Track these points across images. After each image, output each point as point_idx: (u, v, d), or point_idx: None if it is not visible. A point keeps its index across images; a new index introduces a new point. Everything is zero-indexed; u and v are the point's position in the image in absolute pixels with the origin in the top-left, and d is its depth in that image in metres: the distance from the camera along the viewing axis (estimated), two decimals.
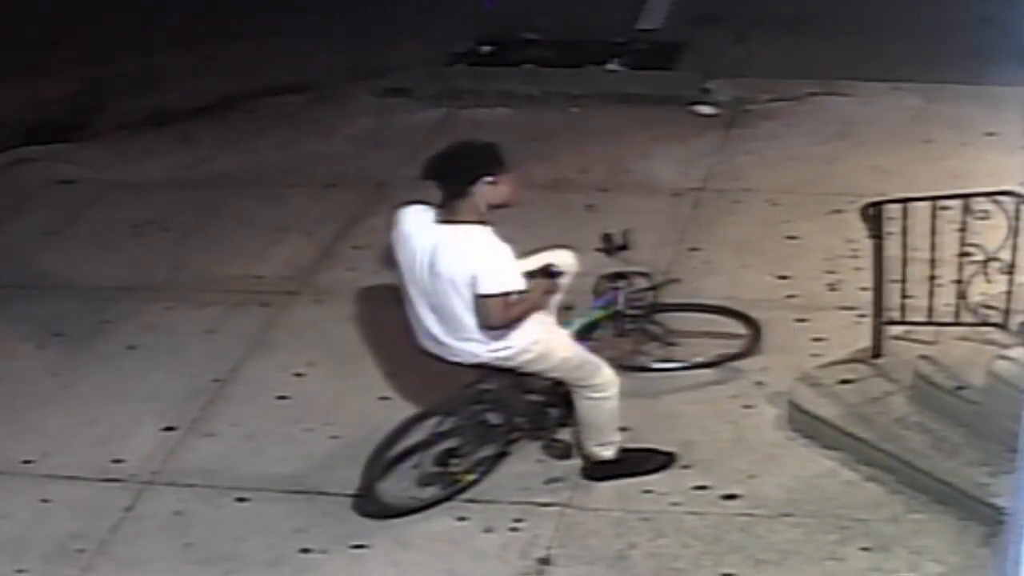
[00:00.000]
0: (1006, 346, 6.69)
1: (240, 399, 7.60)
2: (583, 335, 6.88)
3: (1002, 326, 6.81)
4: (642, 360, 7.31)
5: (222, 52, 11.64)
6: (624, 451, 6.77)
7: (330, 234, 9.06)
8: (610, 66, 11.21)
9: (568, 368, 6.55)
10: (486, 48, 11.66)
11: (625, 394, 6.92)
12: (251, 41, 11.76)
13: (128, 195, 9.77)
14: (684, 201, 9.15)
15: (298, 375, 7.73)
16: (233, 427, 7.38)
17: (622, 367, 6.84)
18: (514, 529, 6.55)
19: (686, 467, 6.82)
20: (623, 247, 7.01)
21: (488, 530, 6.56)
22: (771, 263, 8.37)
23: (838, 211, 8.62)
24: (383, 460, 6.65)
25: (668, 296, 7.42)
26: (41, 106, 11.07)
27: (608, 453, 6.73)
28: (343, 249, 8.89)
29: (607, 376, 6.60)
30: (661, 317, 7.34)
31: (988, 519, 6.17)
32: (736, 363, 7.42)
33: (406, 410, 6.99)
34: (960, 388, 6.69)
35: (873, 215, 6.86)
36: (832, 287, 8.10)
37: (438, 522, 6.61)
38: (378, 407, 7.31)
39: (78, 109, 11.01)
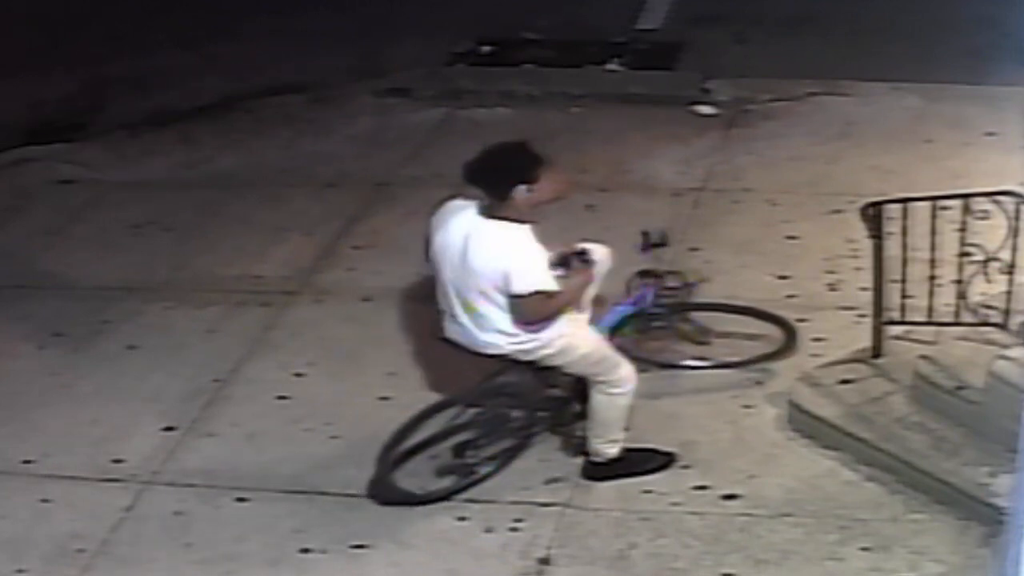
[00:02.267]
0: (1006, 346, 6.69)
1: (240, 399, 7.59)
2: (612, 332, 6.90)
3: (1002, 326, 6.81)
4: (674, 358, 7.32)
5: (222, 52, 11.63)
6: (624, 451, 6.77)
7: (330, 234, 9.06)
8: (610, 66, 11.21)
9: (588, 363, 6.57)
10: (486, 48, 11.65)
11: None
12: (251, 41, 11.76)
13: (128, 195, 9.77)
14: (684, 201, 9.15)
15: (298, 375, 7.73)
16: (233, 427, 7.38)
17: (655, 364, 6.85)
18: (514, 529, 6.55)
19: (686, 467, 6.83)
20: (660, 244, 7.03)
21: (488, 530, 6.56)
22: (771, 263, 8.37)
23: (838, 211, 8.61)
24: (399, 449, 6.66)
25: (700, 296, 7.44)
26: (41, 106, 11.06)
27: (613, 451, 6.74)
28: (343, 249, 8.88)
29: (626, 373, 6.62)
30: (692, 316, 7.35)
31: (988, 519, 6.17)
32: (769, 364, 7.41)
33: (406, 410, 6.99)
34: (960, 388, 6.69)
35: (873, 215, 6.86)
36: (832, 287, 8.10)
37: (438, 522, 6.61)
38: (378, 407, 7.31)
39: (78, 109, 11.01)
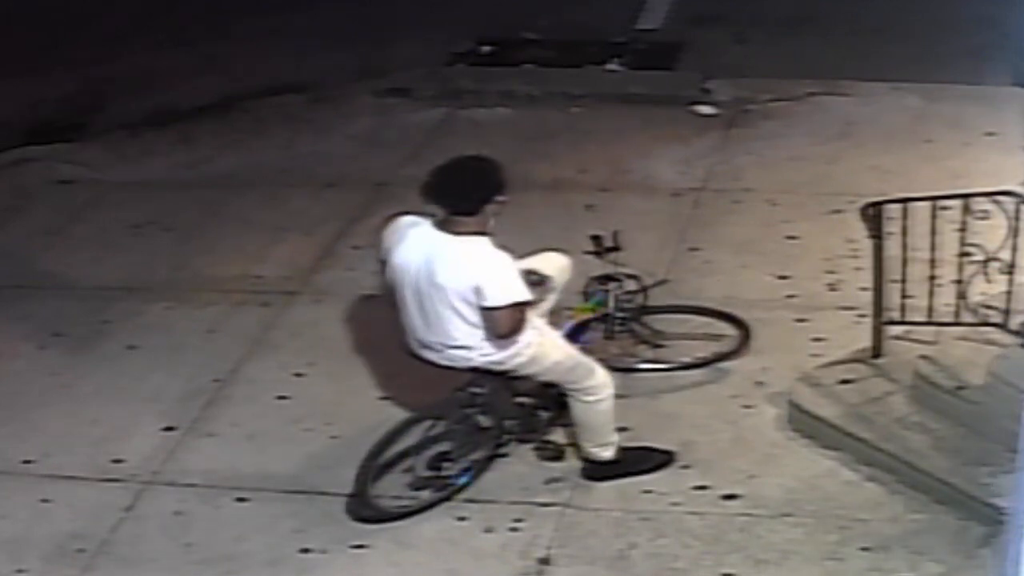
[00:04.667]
0: (1006, 346, 6.69)
1: (240, 399, 7.60)
2: (573, 336, 6.88)
3: (1002, 326, 6.81)
4: (631, 361, 7.32)
5: (222, 52, 11.64)
6: (623, 450, 6.77)
7: (330, 234, 9.06)
8: (610, 66, 11.21)
9: (561, 371, 6.55)
10: (486, 48, 11.65)
11: (624, 394, 6.94)
12: (251, 41, 11.76)
13: (128, 195, 9.77)
14: (684, 201, 9.15)
15: (298, 375, 7.73)
16: (233, 427, 7.38)
17: (612, 368, 6.85)
18: (514, 529, 6.55)
19: (686, 467, 6.83)
20: (613, 248, 7.02)
21: (488, 530, 6.56)
22: (771, 263, 8.37)
23: (838, 211, 8.61)
24: (375, 465, 6.66)
25: (661, 298, 7.42)
26: (41, 106, 11.07)
27: (607, 454, 6.73)
28: (343, 249, 8.88)
29: (601, 378, 6.60)
30: (651, 319, 7.34)
31: (988, 519, 6.17)
32: (726, 364, 7.41)
33: (406, 410, 7.01)
34: (960, 388, 6.69)
35: (873, 215, 6.86)
36: (832, 287, 8.10)
37: (438, 522, 6.62)
38: (378, 407, 7.31)
39: (78, 109, 11.01)
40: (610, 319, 7.12)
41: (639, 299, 7.21)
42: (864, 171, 9.23)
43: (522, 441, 6.91)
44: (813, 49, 11.03)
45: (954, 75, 10.25)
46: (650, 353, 7.38)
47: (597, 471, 6.76)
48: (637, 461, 6.78)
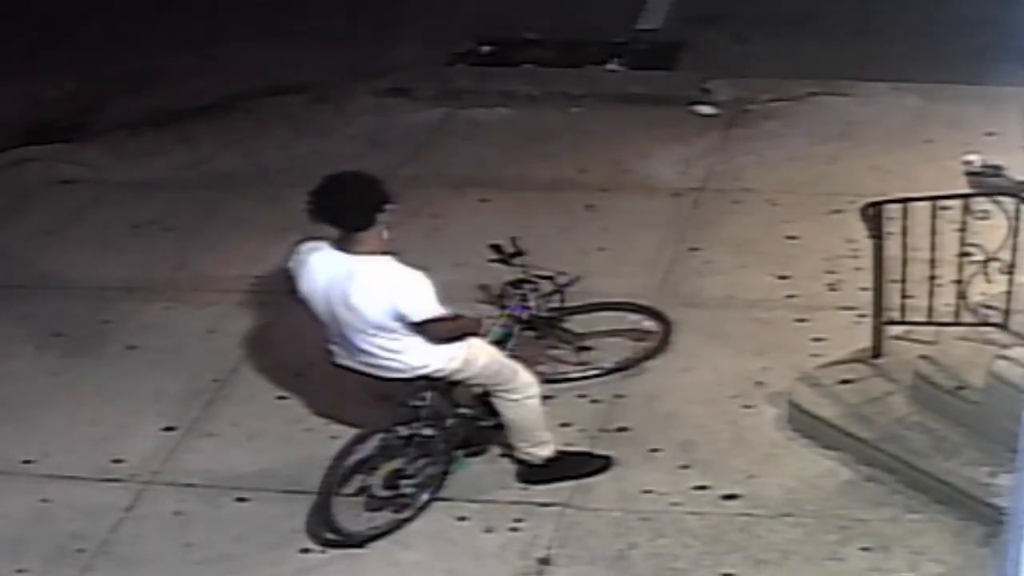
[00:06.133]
0: (1006, 346, 6.69)
1: (240, 399, 7.60)
2: (498, 345, 6.86)
3: (1002, 326, 6.81)
4: (559, 369, 7.32)
5: (222, 52, 11.62)
6: (561, 454, 6.78)
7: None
8: (610, 66, 11.20)
9: (489, 374, 6.60)
10: (486, 48, 11.64)
11: (623, 394, 6.93)
12: (251, 41, 11.75)
13: (128, 195, 9.77)
14: (684, 201, 9.14)
15: (298, 375, 7.72)
16: (233, 427, 7.38)
17: (546, 381, 6.90)
18: (514, 529, 6.55)
19: (686, 467, 6.83)
20: (517, 253, 7.03)
21: (488, 530, 6.57)
22: (771, 263, 8.37)
23: (838, 211, 8.61)
24: (334, 495, 6.56)
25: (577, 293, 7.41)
26: (41, 106, 11.06)
27: (545, 452, 6.74)
28: None
29: (525, 378, 6.66)
30: (572, 319, 7.34)
31: (988, 519, 6.17)
32: (650, 362, 7.44)
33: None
34: (960, 388, 6.69)
35: (873, 215, 6.86)
36: (832, 287, 8.09)
37: (438, 522, 6.62)
38: (377, 407, 7.30)
39: (78, 109, 11.00)
40: (536, 321, 7.10)
41: (558, 299, 7.18)
42: (864, 171, 9.22)
43: (475, 453, 6.90)
44: (813, 49, 11.02)
45: (954, 75, 10.24)
46: (575, 358, 7.38)
47: (534, 474, 6.77)
48: (574, 465, 6.79)
